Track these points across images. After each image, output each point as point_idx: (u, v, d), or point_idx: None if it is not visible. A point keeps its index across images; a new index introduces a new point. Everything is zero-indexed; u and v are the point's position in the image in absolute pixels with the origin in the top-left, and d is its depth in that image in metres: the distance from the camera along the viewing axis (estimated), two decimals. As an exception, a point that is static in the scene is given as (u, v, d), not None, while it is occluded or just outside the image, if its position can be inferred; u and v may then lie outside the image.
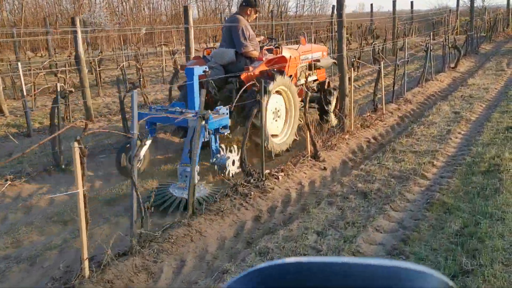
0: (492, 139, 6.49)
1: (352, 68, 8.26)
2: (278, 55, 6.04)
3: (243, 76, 5.52)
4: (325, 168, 5.60)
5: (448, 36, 13.21)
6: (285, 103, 6.11)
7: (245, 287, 0.55)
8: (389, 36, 20.12)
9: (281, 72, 5.76)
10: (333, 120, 7.07)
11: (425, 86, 10.81)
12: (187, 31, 6.72)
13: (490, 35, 21.89)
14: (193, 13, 26.70)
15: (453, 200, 4.43)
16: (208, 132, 4.83)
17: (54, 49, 17.40)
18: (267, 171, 5.01)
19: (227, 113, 5.10)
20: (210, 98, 5.71)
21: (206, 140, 4.87)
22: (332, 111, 7.04)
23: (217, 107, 5.17)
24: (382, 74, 7.90)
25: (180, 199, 4.40)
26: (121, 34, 22.45)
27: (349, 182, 5.06)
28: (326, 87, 7.02)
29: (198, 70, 5.20)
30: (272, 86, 5.44)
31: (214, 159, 5.07)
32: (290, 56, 6.19)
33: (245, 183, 4.66)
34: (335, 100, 7.09)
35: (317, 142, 5.73)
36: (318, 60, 7.02)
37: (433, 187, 4.90)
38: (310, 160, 5.62)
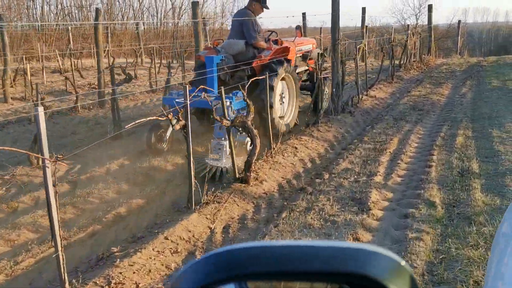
0: None
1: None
2: (283, 46, 6.78)
3: (254, 64, 6.32)
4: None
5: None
6: (288, 89, 6.97)
7: (202, 271, 0.54)
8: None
9: (288, 60, 6.65)
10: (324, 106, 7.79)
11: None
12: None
13: (393, 69, 13.56)
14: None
15: None
16: (233, 112, 5.50)
17: None
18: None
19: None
20: (222, 83, 6.14)
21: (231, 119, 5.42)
22: (325, 98, 7.96)
23: (234, 92, 5.76)
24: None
25: (216, 167, 5.11)
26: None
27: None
28: (315, 77, 7.57)
29: (217, 58, 6.10)
30: (281, 71, 6.30)
31: (237, 136, 5.49)
32: (290, 47, 6.96)
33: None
34: (326, 88, 8.04)
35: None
36: (310, 51, 8.01)
37: None
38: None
